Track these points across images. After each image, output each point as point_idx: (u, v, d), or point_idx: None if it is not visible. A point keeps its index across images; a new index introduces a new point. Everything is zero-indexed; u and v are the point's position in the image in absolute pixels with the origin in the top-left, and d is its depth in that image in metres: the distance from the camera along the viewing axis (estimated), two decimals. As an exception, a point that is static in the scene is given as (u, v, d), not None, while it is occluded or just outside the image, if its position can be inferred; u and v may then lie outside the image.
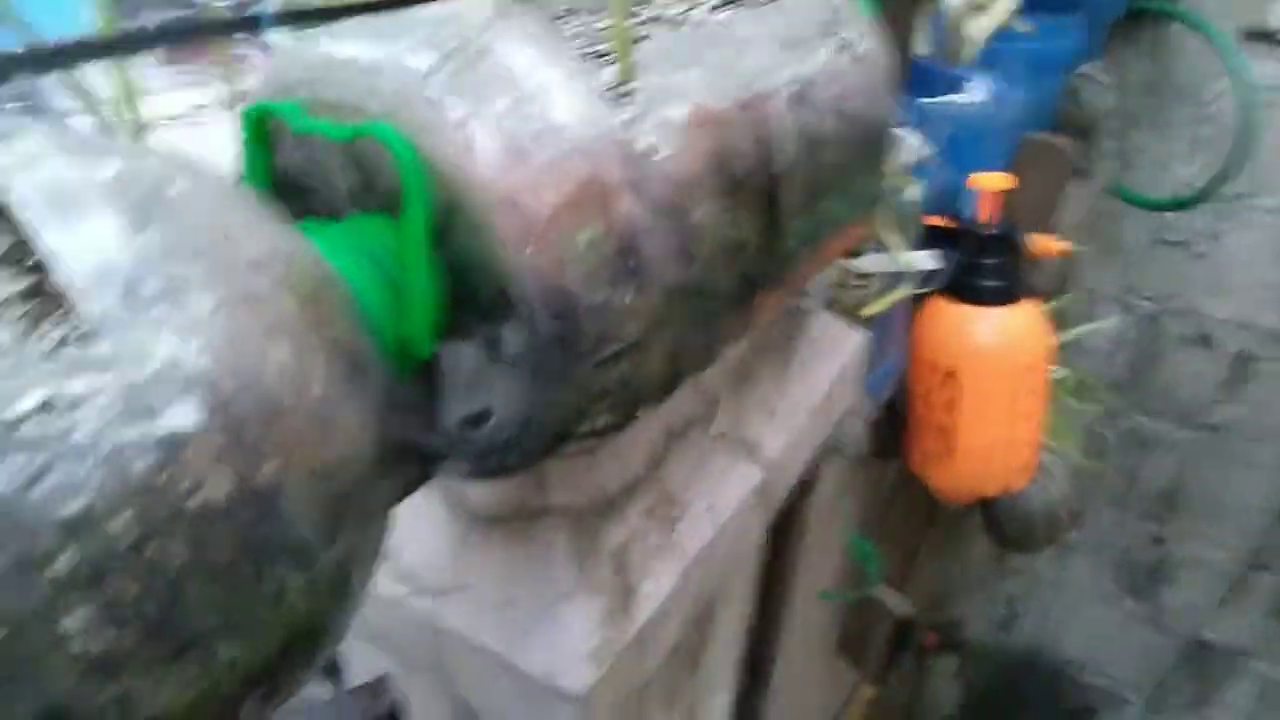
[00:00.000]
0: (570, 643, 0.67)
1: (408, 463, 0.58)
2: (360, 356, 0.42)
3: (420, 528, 0.74)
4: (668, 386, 0.59)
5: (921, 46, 1.02)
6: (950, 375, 1.33)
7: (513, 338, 0.49)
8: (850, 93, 0.64)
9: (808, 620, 1.45)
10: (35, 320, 0.32)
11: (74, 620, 0.30)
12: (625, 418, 0.56)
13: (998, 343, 1.30)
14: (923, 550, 1.97)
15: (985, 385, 1.33)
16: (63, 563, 0.30)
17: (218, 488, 0.33)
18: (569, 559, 0.69)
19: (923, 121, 1.25)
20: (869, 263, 0.99)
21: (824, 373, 0.95)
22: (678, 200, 0.51)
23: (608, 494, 0.74)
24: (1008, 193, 1.30)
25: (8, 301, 0.33)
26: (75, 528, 0.30)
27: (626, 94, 0.50)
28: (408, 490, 0.64)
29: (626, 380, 0.52)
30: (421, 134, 0.45)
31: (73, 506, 0.30)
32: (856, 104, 0.65)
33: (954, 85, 1.30)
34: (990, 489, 1.41)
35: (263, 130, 0.51)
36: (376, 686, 0.82)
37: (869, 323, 1.03)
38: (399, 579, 0.73)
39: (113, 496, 0.31)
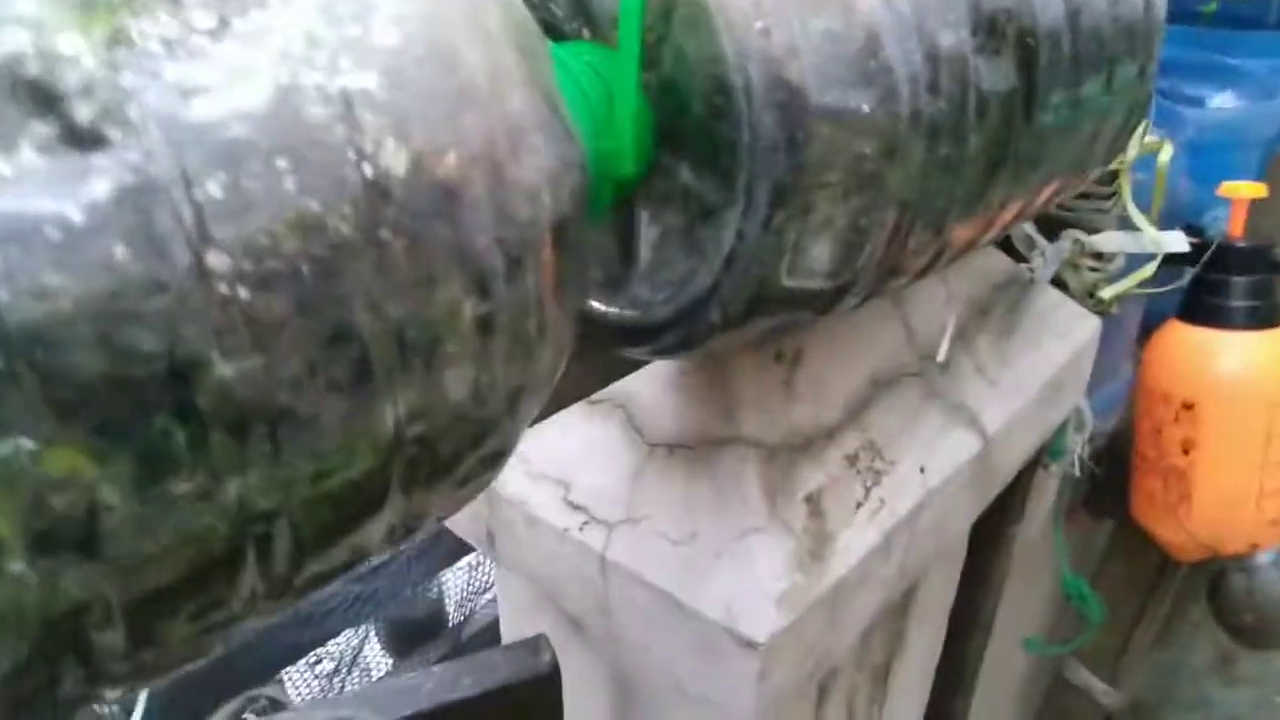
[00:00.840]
0: (754, 583, 0.59)
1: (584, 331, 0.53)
2: (564, 120, 0.37)
3: (594, 455, 0.67)
4: (892, 265, 0.51)
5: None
6: (1188, 409, 1.17)
7: (728, 147, 0.42)
8: (1118, -34, 0.56)
9: (1003, 675, 1.28)
10: None
11: (219, 259, 0.25)
12: (836, 288, 0.48)
13: (1248, 372, 1.13)
14: (1135, 637, 1.74)
15: (1231, 422, 1.15)
16: (213, 187, 0.25)
17: (396, 163, 0.28)
18: (758, 492, 0.61)
19: (1163, 121, 1.13)
20: (1108, 240, 0.88)
21: (1053, 354, 0.83)
22: (926, 19, 0.44)
23: (804, 433, 0.65)
24: (1255, 204, 1.15)
25: None
26: (232, 155, 0.26)
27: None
28: (580, 371, 0.58)
29: (851, 228, 0.45)
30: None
31: (234, 130, 0.26)
32: (1124, -19, 0.57)
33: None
34: (1230, 545, 1.22)
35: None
36: (535, 643, 0.76)
37: (1102, 315, 0.91)
38: (569, 509, 0.67)
39: (278, 134, 0.26)
